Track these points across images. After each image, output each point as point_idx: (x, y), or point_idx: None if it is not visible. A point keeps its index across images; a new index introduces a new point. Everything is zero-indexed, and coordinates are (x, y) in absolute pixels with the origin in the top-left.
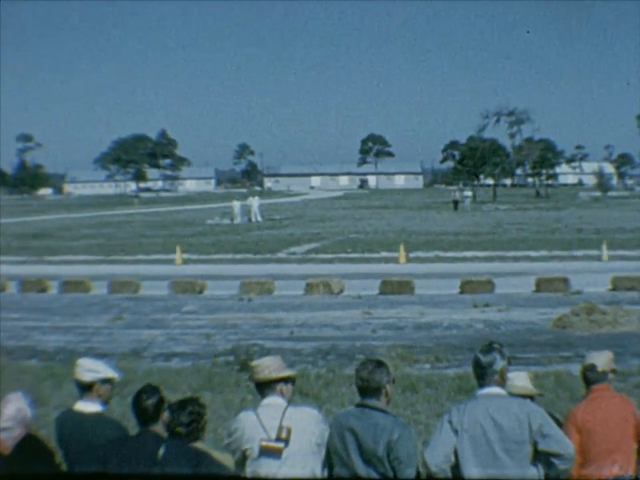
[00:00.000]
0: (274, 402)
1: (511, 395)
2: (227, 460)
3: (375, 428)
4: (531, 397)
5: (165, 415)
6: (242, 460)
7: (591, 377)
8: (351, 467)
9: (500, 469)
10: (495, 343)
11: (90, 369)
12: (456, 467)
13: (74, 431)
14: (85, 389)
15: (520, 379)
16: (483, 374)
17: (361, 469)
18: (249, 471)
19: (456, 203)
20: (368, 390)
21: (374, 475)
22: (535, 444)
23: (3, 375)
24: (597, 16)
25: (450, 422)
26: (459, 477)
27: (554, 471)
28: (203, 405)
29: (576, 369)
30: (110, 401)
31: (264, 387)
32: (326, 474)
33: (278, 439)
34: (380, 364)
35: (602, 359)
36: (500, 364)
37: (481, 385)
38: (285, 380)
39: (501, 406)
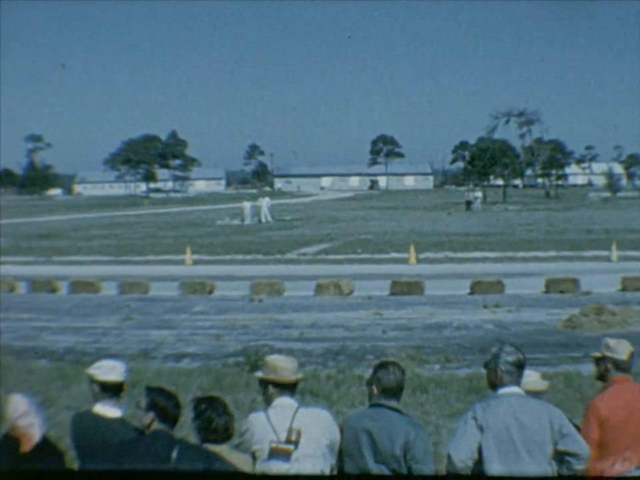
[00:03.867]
0: (285, 403)
1: (525, 392)
2: (246, 461)
3: (391, 428)
4: (542, 393)
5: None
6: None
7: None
8: (363, 467)
9: (521, 466)
10: (508, 344)
11: (117, 369)
12: (477, 464)
13: (94, 435)
14: (116, 389)
15: (530, 376)
16: (514, 373)
17: (374, 468)
18: (258, 472)
19: (469, 203)
20: (396, 391)
21: (387, 473)
22: (554, 443)
23: (12, 375)
24: (607, 16)
25: (475, 419)
26: (481, 473)
27: (570, 470)
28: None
29: (586, 369)
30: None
31: (285, 388)
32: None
33: (288, 441)
34: (399, 365)
35: (622, 348)
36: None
37: (504, 384)
38: None
39: (524, 405)
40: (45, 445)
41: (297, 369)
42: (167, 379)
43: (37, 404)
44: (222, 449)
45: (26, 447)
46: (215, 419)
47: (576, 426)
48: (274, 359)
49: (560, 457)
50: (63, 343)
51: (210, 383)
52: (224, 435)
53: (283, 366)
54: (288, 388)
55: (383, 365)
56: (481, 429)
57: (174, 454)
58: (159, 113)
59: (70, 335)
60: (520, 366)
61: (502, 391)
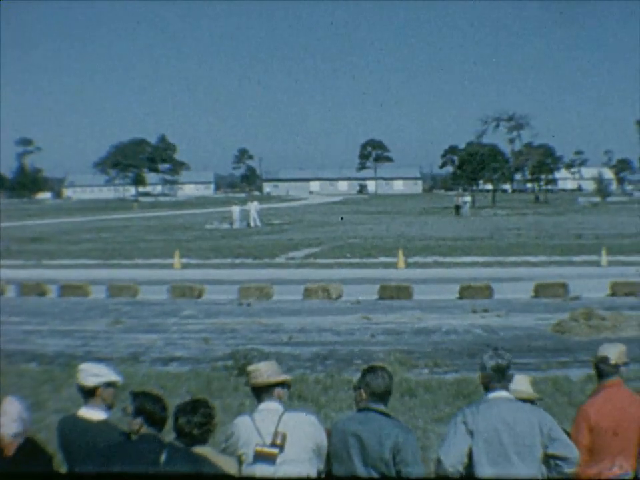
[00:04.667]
0: (270, 407)
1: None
2: (231, 464)
3: (380, 431)
4: (532, 401)
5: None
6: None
7: (603, 369)
8: (351, 471)
9: (511, 470)
10: (492, 349)
11: (93, 374)
12: (467, 468)
13: (78, 438)
14: (89, 394)
15: (521, 383)
16: (497, 378)
17: (363, 472)
18: (244, 475)
19: (458, 208)
20: (385, 395)
21: (376, 476)
22: (544, 447)
23: (1, 378)
24: (596, 20)
25: (465, 423)
26: (471, 477)
27: (559, 474)
28: (213, 406)
29: (574, 374)
30: (114, 406)
31: (261, 392)
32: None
33: (273, 445)
34: (387, 369)
35: (615, 351)
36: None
37: (491, 389)
38: (282, 384)
39: (513, 410)
40: (30, 447)
41: (272, 372)
42: (155, 382)
43: (25, 406)
44: (208, 452)
45: (9, 449)
46: (180, 419)
47: (565, 431)
48: (251, 367)
49: (549, 460)
50: (52, 347)
51: (198, 386)
52: (190, 437)
53: (252, 369)
54: (265, 391)
55: (371, 370)
56: (471, 433)
57: (162, 457)
58: (148, 117)
59: (59, 338)
60: (500, 371)
61: (491, 395)
